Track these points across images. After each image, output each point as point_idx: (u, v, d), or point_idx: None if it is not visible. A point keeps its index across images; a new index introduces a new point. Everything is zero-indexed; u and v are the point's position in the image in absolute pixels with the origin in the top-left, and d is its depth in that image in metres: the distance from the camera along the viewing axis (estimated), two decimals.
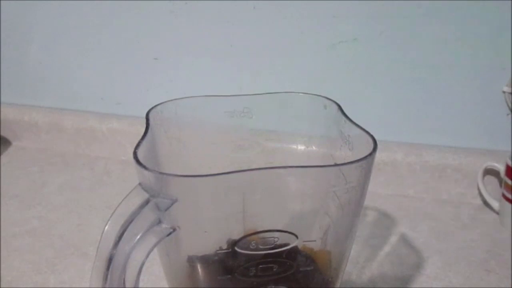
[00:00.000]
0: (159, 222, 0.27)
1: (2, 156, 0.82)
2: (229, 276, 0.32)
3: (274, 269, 0.32)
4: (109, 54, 0.79)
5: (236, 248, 0.31)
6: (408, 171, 0.67)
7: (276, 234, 0.31)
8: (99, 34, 0.78)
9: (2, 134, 0.87)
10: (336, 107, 0.38)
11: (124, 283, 0.27)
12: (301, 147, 0.41)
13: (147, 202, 0.27)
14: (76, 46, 0.80)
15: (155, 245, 0.27)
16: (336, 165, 0.34)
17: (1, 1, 0.81)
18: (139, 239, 0.26)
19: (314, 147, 0.34)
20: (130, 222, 0.26)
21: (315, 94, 0.40)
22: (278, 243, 0.31)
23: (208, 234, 0.32)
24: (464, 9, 0.60)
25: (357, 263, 0.52)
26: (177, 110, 0.38)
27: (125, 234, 0.26)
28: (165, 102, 0.38)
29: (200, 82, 0.75)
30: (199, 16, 0.71)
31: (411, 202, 0.66)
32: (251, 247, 0.31)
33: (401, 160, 0.66)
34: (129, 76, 0.80)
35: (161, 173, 0.27)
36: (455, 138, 0.67)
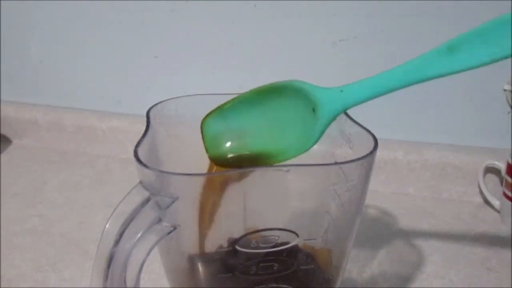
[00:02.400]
0: (160, 220, 0.27)
1: (2, 155, 0.82)
2: (230, 274, 0.32)
3: (275, 268, 0.32)
4: (110, 53, 0.79)
5: (236, 247, 0.31)
6: (408, 169, 0.67)
7: (277, 232, 0.31)
8: (100, 32, 0.78)
9: (2, 132, 0.87)
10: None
11: (125, 282, 0.27)
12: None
13: (147, 200, 0.27)
14: (76, 44, 0.80)
15: (155, 244, 0.27)
16: (336, 163, 0.34)
17: (1, 0, 0.81)
18: (139, 237, 0.26)
19: (314, 146, 0.34)
20: (131, 221, 0.26)
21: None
22: (278, 241, 0.31)
23: (209, 233, 0.32)
24: (465, 7, 0.60)
25: (357, 261, 0.52)
26: (178, 109, 0.38)
27: (125, 233, 0.26)
28: (166, 100, 0.38)
29: (201, 80, 0.75)
30: (199, 14, 0.71)
31: (412, 201, 0.66)
32: (251, 245, 0.31)
33: (402, 159, 0.66)
34: (130, 74, 0.80)
35: (161, 171, 0.27)
36: (455, 136, 0.67)
